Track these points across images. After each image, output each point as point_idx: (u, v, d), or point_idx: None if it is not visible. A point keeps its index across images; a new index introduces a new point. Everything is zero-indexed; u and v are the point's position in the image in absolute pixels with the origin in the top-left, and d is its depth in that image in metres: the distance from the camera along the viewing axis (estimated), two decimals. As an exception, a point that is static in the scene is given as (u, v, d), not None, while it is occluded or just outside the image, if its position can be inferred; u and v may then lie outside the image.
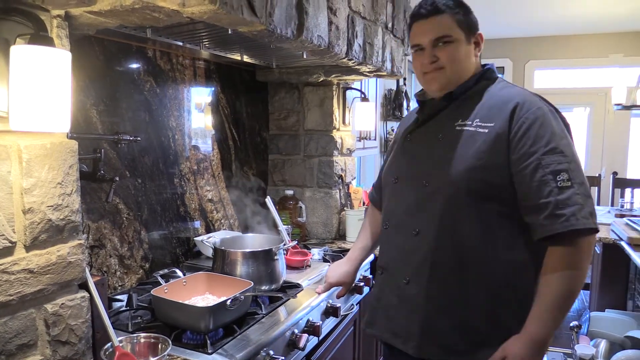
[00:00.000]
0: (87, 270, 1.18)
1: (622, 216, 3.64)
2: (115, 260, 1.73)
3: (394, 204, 1.46)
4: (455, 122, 1.35)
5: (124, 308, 1.55)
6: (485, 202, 1.28)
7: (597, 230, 1.22)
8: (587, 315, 3.27)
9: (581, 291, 4.91)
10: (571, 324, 3.11)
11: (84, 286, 1.18)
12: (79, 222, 1.14)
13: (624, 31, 5.59)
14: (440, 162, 1.33)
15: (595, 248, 3.61)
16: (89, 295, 1.18)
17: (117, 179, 1.64)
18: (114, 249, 1.73)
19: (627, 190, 4.98)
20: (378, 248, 1.59)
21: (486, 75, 1.40)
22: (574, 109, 6.16)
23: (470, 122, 1.32)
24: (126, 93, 1.78)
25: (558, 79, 6.23)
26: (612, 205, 4.85)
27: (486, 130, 1.29)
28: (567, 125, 1.31)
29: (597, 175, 5.43)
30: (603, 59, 5.87)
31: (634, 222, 3.14)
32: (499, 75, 1.44)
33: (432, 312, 1.33)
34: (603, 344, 2.98)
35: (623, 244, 2.91)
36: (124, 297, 1.60)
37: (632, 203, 4.36)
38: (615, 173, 5.26)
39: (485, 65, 1.44)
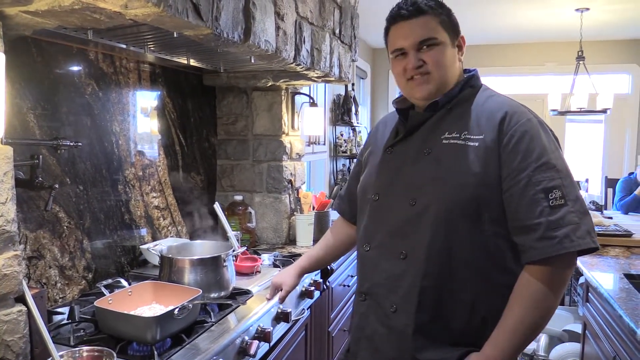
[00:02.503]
0: (24, 282, 1.12)
1: (559, 216, 3.81)
2: (55, 272, 1.66)
3: (375, 223, 1.33)
4: (442, 135, 1.24)
5: (65, 321, 1.48)
6: (480, 223, 1.18)
7: (596, 249, 1.13)
8: (529, 312, 3.41)
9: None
10: (514, 321, 3.23)
11: (21, 299, 1.12)
12: (15, 232, 1.09)
13: (558, 41, 5.90)
14: (428, 179, 1.23)
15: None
16: (26, 309, 1.12)
17: (57, 186, 1.57)
18: (53, 259, 1.65)
19: (563, 192, 5.24)
20: (357, 273, 1.50)
21: (470, 83, 1.30)
22: (514, 114, 6.44)
23: (458, 135, 1.22)
24: (66, 96, 1.71)
25: (499, 86, 6.49)
26: (550, 206, 5.08)
27: (476, 144, 1.19)
28: (556, 138, 1.23)
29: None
30: (540, 67, 6.17)
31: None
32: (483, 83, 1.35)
33: (422, 343, 1.22)
34: (543, 338, 3.12)
35: (560, 242, 3.06)
36: (66, 309, 1.54)
37: (568, 204, 4.58)
38: (552, 175, 5.52)
39: (467, 70, 1.34)
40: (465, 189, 1.18)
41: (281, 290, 1.65)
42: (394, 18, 1.29)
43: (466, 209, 1.18)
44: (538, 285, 1.13)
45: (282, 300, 1.67)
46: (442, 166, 1.22)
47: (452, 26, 1.28)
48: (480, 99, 1.28)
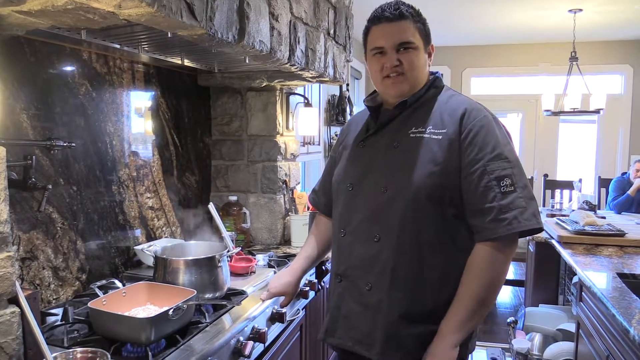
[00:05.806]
0: (17, 284, 1.11)
1: (553, 216, 3.84)
2: (49, 273, 1.65)
3: (350, 211, 1.44)
4: (409, 130, 1.37)
5: (59, 322, 1.48)
6: (442, 206, 1.31)
7: (541, 229, 1.28)
8: (523, 311, 3.43)
9: (517, 288, 5.12)
10: (508, 320, 3.25)
11: (14, 301, 1.11)
12: (8, 233, 1.08)
13: (552, 42, 5.93)
14: (398, 168, 1.35)
15: (529, 246, 3.79)
16: (19, 310, 1.11)
17: (50, 187, 1.57)
18: (47, 260, 1.65)
19: (557, 192, 5.28)
20: (330, 255, 1.56)
21: (435, 84, 1.44)
22: (508, 114, 6.47)
23: (423, 130, 1.35)
24: (60, 97, 1.70)
25: (493, 86, 6.52)
26: (544, 205, 5.12)
27: (440, 137, 1.33)
28: (507, 133, 1.37)
29: (529, 177, 5.71)
30: (533, 67, 6.20)
31: (564, 221, 3.33)
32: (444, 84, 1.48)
33: (394, 317, 1.33)
34: (537, 338, 3.13)
35: (554, 242, 3.08)
36: (59, 310, 1.53)
37: (561, 203, 4.62)
38: (546, 175, 5.56)
39: (432, 73, 1.46)
40: (430, 176, 1.30)
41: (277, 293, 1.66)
42: (378, 19, 1.39)
43: (431, 194, 1.30)
44: (485, 261, 1.27)
45: (282, 306, 1.71)
46: (410, 157, 1.34)
47: (425, 34, 1.41)
48: (443, 98, 1.41)
